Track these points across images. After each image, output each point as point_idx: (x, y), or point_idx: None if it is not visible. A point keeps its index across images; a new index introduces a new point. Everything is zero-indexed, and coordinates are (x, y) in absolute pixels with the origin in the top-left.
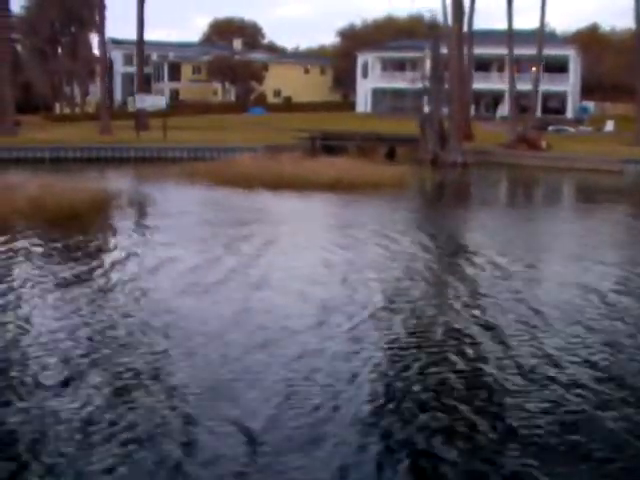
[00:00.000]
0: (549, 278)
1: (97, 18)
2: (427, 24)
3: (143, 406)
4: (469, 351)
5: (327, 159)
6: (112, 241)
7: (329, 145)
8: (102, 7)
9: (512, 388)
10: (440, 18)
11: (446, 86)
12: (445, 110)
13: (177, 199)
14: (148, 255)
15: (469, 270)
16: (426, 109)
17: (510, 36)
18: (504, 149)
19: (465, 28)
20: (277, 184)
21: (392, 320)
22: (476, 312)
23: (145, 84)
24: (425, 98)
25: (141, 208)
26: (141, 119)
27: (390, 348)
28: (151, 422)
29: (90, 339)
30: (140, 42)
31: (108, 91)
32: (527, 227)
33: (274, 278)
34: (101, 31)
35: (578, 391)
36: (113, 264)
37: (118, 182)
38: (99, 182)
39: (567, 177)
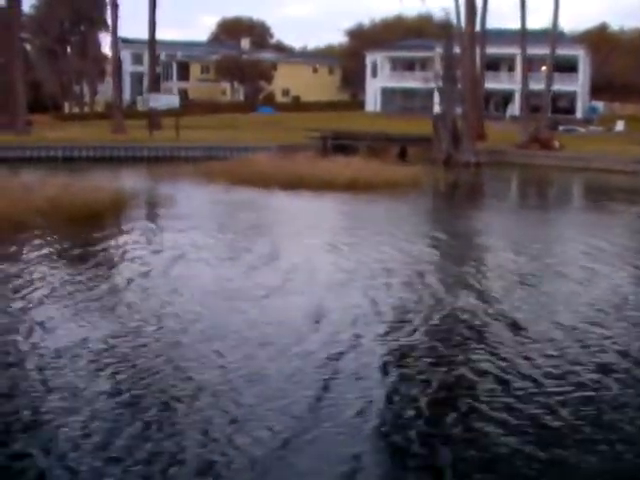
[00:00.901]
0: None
1: (107, 17)
2: (440, 23)
3: None
4: None
5: (342, 159)
6: (150, 243)
7: (340, 145)
8: (115, 6)
9: None
10: (451, 17)
11: (459, 86)
12: (458, 110)
13: (196, 199)
14: (189, 256)
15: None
16: (437, 109)
17: (523, 35)
18: (517, 149)
19: (477, 28)
20: (294, 184)
21: None
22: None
23: (154, 83)
24: (437, 98)
25: (164, 209)
26: (153, 118)
27: None
28: None
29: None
30: (152, 42)
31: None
32: (561, 230)
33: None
34: (114, 30)
35: None
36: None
37: (135, 182)
38: (116, 181)
39: (582, 177)
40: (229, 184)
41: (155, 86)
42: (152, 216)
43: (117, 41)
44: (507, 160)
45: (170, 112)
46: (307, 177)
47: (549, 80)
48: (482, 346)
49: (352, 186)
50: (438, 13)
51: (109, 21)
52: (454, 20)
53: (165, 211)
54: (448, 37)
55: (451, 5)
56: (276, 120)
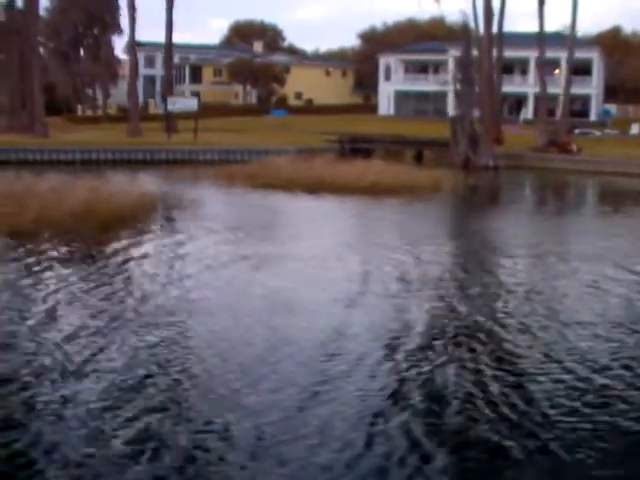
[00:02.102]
0: None
1: (120, 20)
2: (456, 26)
3: None
4: None
5: (361, 162)
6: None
7: (356, 148)
8: (133, 9)
9: None
10: (465, 20)
11: (476, 89)
12: (475, 113)
13: (227, 203)
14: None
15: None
16: (450, 112)
17: (541, 39)
18: (534, 152)
19: (494, 30)
20: (316, 188)
21: None
22: None
23: (170, 86)
24: (451, 101)
25: (195, 213)
26: (170, 121)
27: None
28: None
29: None
30: (169, 45)
31: (129, 94)
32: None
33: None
34: (131, 33)
35: None
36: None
37: (159, 185)
38: (140, 185)
39: (602, 181)
40: (252, 187)
41: (170, 89)
42: (188, 219)
43: (134, 44)
44: (525, 164)
45: (187, 115)
46: (329, 180)
47: (568, 83)
48: None
49: (374, 190)
50: (455, 16)
51: (122, 24)
52: (471, 23)
53: (199, 214)
54: (466, 40)
55: (467, 8)
56: (289, 123)
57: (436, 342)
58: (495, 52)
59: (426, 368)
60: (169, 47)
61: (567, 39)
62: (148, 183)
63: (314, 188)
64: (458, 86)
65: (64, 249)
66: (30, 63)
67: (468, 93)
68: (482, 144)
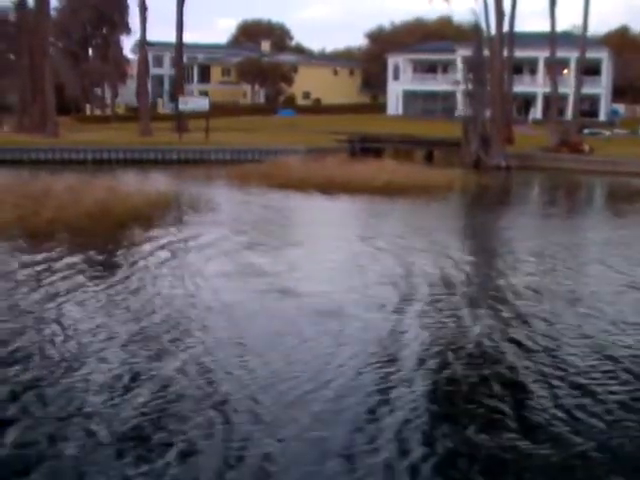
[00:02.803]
0: None
1: (129, 20)
2: (464, 26)
3: None
4: None
5: (373, 162)
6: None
7: (366, 147)
8: (144, 9)
9: None
10: (476, 19)
11: (487, 89)
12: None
13: (243, 203)
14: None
15: None
16: (459, 111)
17: (552, 39)
18: (546, 153)
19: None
20: (330, 187)
21: None
22: None
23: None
24: (460, 100)
25: (214, 213)
26: (181, 121)
27: None
28: None
29: None
30: (179, 45)
31: (139, 93)
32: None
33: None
34: (142, 33)
35: None
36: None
37: (172, 184)
38: (155, 184)
39: (615, 181)
40: (266, 187)
41: (181, 89)
42: (208, 220)
43: (145, 43)
44: (537, 164)
45: (197, 115)
46: (342, 180)
47: (579, 83)
48: None
49: (388, 189)
50: (463, 15)
51: (131, 24)
52: (482, 22)
53: (218, 215)
54: (477, 39)
55: (477, 7)
56: (297, 123)
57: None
58: (506, 52)
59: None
60: (179, 47)
61: (578, 39)
62: (162, 183)
63: (328, 188)
64: (469, 86)
65: (90, 251)
66: (41, 63)
67: (480, 93)
68: (493, 144)
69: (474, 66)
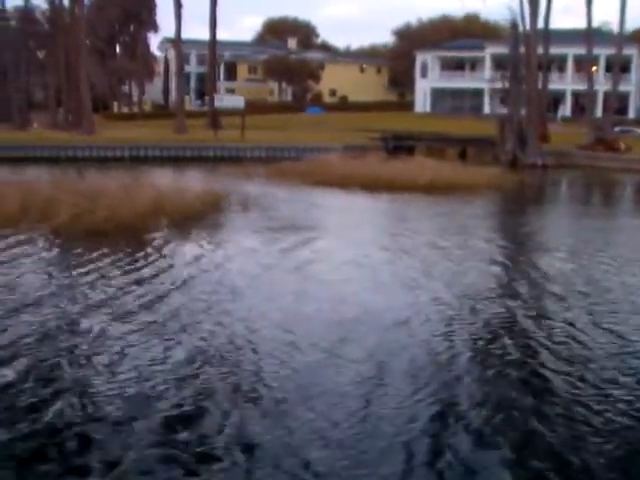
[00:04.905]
0: None
1: (155, 18)
2: (495, 23)
3: None
4: None
5: (411, 160)
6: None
7: (399, 145)
8: (178, 6)
9: None
10: (513, 17)
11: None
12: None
13: (290, 201)
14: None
15: None
16: (487, 109)
17: (588, 36)
18: (582, 150)
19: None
20: (373, 185)
21: None
22: None
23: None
24: (498, 98)
25: (266, 211)
26: (215, 118)
27: None
28: None
29: None
30: (213, 43)
31: (164, 91)
32: None
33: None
34: (178, 30)
35: None
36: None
37: (214, 182)
38: (197, 182)
39: None
40: (308, 185)
41: (214, 86)
42: (264, 217)
43: (180, 41)
44: (573, 162)
45: (230, 112)
46: (384, 178)
47: (616, 80)
48: None
49: (433, 188)
50: (494, 13)
51: (158, 21)
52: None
53: (271, 213)
54: (514, 37)
55: (511, 4)
56: (325, 120)
57: None
58: (541, 49)
59: None
60: (213, 44)
61: (607, 36)
62: (205, 181)
63: (371, 186)
64: (505, 84)
65: (156, 249)
66: (76, 61)
67: (516, 91)
68: (530, 142)
69: (510, 64)
